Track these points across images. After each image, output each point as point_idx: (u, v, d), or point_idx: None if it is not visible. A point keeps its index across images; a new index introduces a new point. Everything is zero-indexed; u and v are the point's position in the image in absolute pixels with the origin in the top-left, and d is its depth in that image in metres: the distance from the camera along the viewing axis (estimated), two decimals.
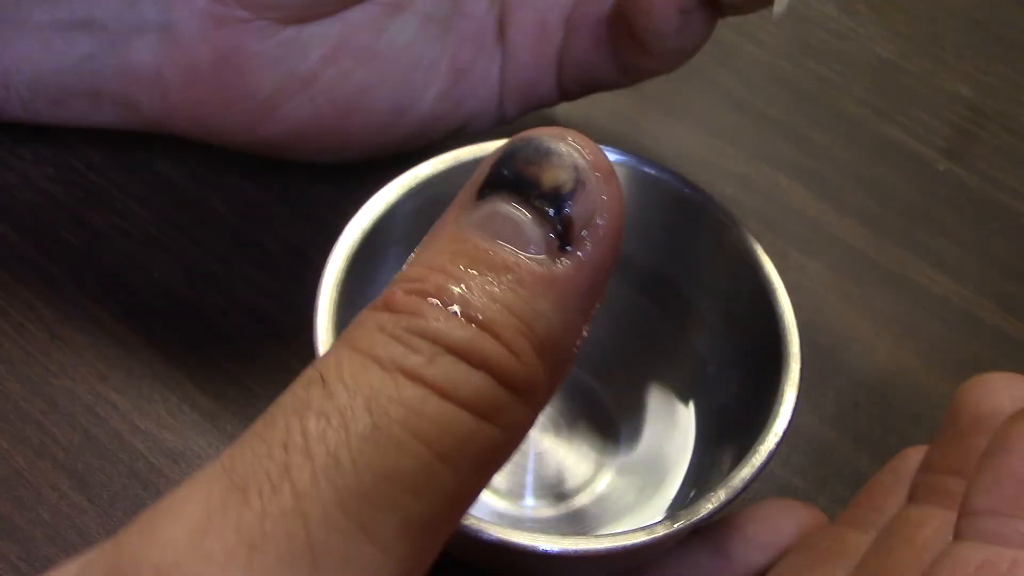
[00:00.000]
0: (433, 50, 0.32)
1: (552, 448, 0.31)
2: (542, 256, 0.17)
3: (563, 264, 0.17)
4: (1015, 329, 0.36)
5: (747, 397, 0.28)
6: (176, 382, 0.31)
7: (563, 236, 0.17)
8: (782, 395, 0.26)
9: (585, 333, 0.18)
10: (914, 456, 0.27)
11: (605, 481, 0.30)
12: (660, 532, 0.23)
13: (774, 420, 0.25)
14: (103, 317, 0.32)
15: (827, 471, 0.32)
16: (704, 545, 0.27)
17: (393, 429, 0.16)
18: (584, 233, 0.17)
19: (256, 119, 0.31)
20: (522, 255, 0.17)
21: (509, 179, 0.17)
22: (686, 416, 0.30)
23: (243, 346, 0.32)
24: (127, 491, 0.29)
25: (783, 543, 0.27)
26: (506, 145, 0.18)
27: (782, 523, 0.28)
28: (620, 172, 0.30)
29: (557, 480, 0.30)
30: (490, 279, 0.17)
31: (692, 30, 0.30)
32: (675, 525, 0.23)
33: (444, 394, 0.16)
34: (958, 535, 0.20)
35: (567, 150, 0.18)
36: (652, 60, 0.31)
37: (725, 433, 0.29)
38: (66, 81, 0.31)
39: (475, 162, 0.29)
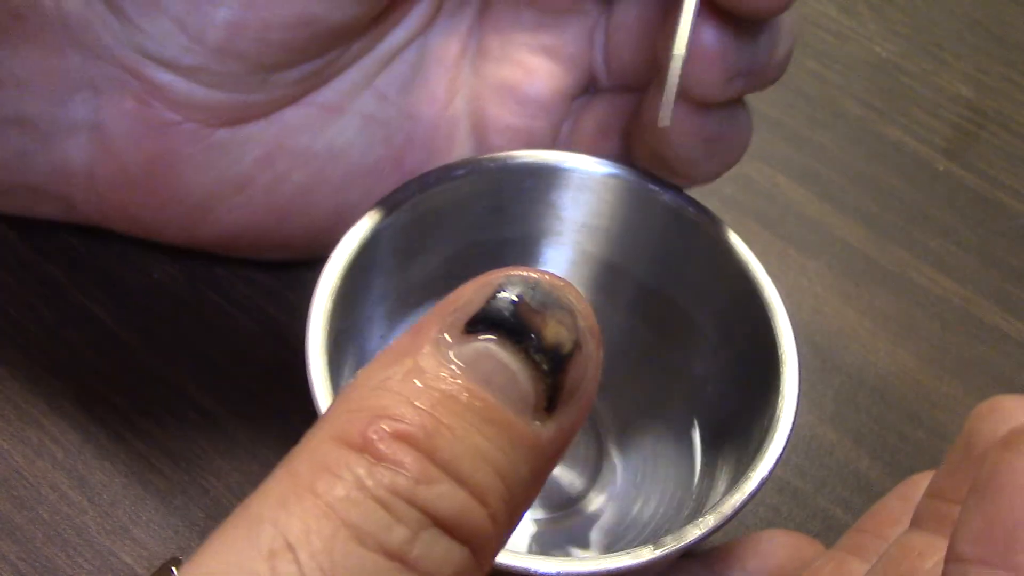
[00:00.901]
0: (375, 152, 0.30)
1: None
2: (530, 415, 0.16)
3: (548, 427, 0.16)
4: (1014, 329, 0.36)
5: (745, 415, 0.27)
6: (176, 382, 0.31)
7: (552, 397, 0.16)
8: (778, 419, 0.25)
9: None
10: (923, 483, 0.26)
11: (602, 499, 0.30)
12: (645, 556, 0.23)
13: (769, 444, 0.25)
14: (103, 317, 0.32)
15: (826, 471, 0.32)
16: (704, 573, 0.27)
17: None
18: (571, 397, 0.16)
19: (192, 221, 0.30)
20: (515, 412, 0.15)
21: (509, 321, 0.16)
22: (684, 432, 0.30)
23: (243, 346, 0.32)
24: (127, 491, 0.29)
25: None
26: (503, 279, 0.16)
27: (784, 559, 0.27)
28: (617, 186, 0.30)
29: (555, 496, 0.30)
30: (484, 435, 0.15)
31: (725, 148, 0.29)
32: (658, 551, 0.23)
33: None
34: None
35: (569, 306, 0.16)
36: (684, 181, 0.30)
37: (722, 451, 0.28)
38: (2, 175, 0.30)
39: (472, 175, 0.29)
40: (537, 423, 0.16)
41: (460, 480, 0.15)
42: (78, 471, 0.29)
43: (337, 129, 0.30)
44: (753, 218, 0.38)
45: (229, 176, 0.29)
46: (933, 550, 0.22)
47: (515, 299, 0.16)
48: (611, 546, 0.29)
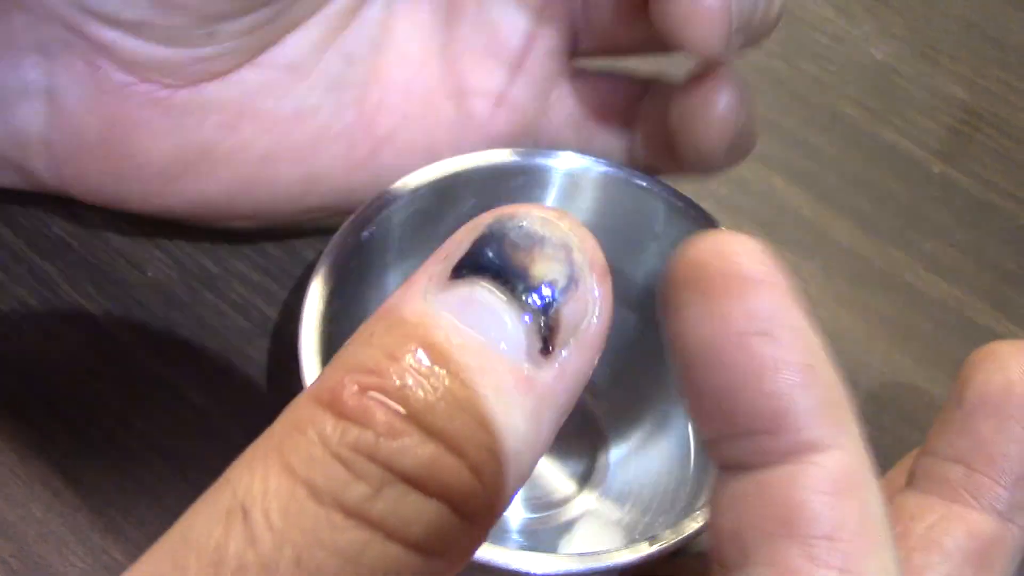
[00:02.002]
0: (345, 116, 0.29)
1: (543, 461, 0.31)
2: (522, 359, 0.15)
3: (544, 371, 0.15)
4: (1009, 331, 0.36)
5: None
6: (171, 381, 0.31)
7: (547, 337, 0.15)
8: None
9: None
10: None
11: (596, 495, 0.30)
12: (643, 551, 0.23)
13: None
14: (96, 314, 0.32)
15: None
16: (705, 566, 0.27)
17: None
18: (571, 338, 0.15)
19: (155, 191, 0.29)
20: (500, 355, 0.15)
21: (494, 263, 0.15)
22: (678, 431, 0.30)
23: (238, 346, 0.32)
24: (122, 489, 0.29)
25: None
26: (490, 219, 0.15)
27: None
28: (609, 184, 0.30)
29: (547, 493, 0.30)
30: (462, 381, 0.14)
31: (746, 139, 0.29)
32: (655, 545, 0.23)
33: (389, 535, 0.14)
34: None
35: (562, 239, 0.15)
36: (695, 172, 0.30)
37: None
38: None
39: (473, 173, 0.29)
40: (530, 366, 0.15)
41: (431, 431, 0.14)
42: (71, 469, 0.29)
43: (302, 92, 0.29)
44: (748, 219, 0.38)
45: (191, 143, 0.28)
46: (926, 512, 0.21)
47: (500, 239, 0.15)
48: (607, 544, 0.29)
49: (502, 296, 0.15)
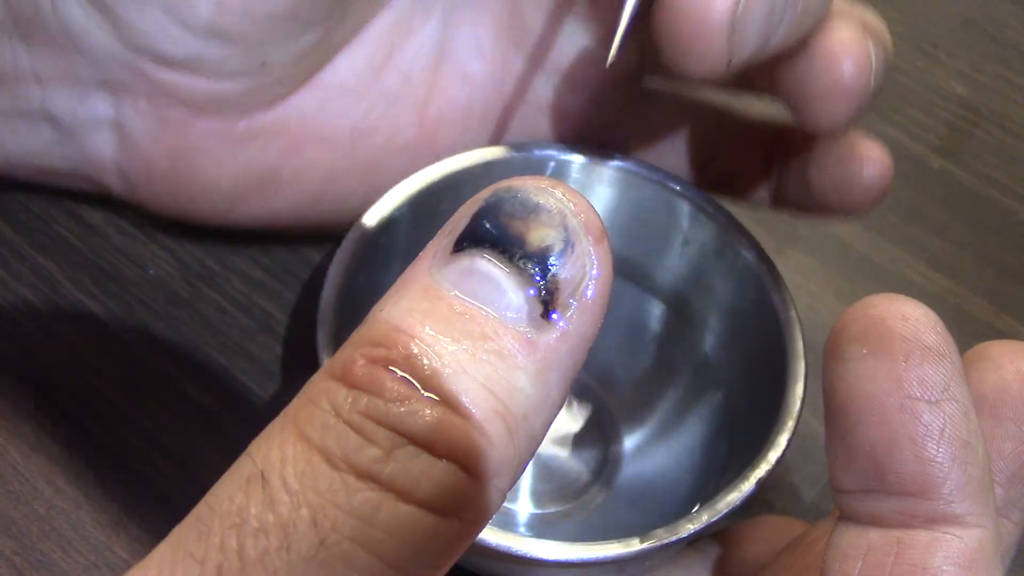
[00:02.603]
0: (406, 133, 0.30)
1: (553, 451, 0.31)
2: (523, 323, 0.15)
3: (546, 333, 0.15)
4: (1008, 326, 0.36)
5: (751, 411, 0.27)
6: (172, 379, 0.31)
7: (547, 301, 0.15)
8: (783, 419, 0.25)
9: (561, 406, 0.16)
10: None
11: (606, 487, 0.30)
12: (634, 547, 0.23)
13: (771, 446, 0.25)
14: (98, 312, 0.32)
15: (820, 467, 0.32)
16: (701, 561, 0.27)
17: (342, 546, 0.14)
18: (571, 300, 0.16)
19: (223, 208, 0.30)
20: (501, 321, 0.15)
21: (491, 233, 0.16)
22: (690, 425, 0.30)
23: (240, 343, 0.32)
24: (123, 487, 0.29)
25: None
26: (488, 194, 0.16)
27: (783, 543, 0.27)
28: (624, 179, 0.29)
29: (556, 484, 0.30)
30: (465, 347, 0.15)
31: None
32: (646, 543, 0.23)
33: (401, 495, 0.14)
34: None
35: (556, 206, 0.16)
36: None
37: (727, 445, 0.28)
38: (40, 162, 0.30)
39: (477, 168, 0.29)
40: (532, 330, 0.15)
41: (438, 395, 0.15)
42: (74, 466, 0.29)
43: (361, 111, 0.29)
44: (748, 215, 0.38)
45: (255, 168, 0.29)
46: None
47: (497, 210, 0.16)
48: (616, 535, 0.29)
49: (501, 265, 0.15)
